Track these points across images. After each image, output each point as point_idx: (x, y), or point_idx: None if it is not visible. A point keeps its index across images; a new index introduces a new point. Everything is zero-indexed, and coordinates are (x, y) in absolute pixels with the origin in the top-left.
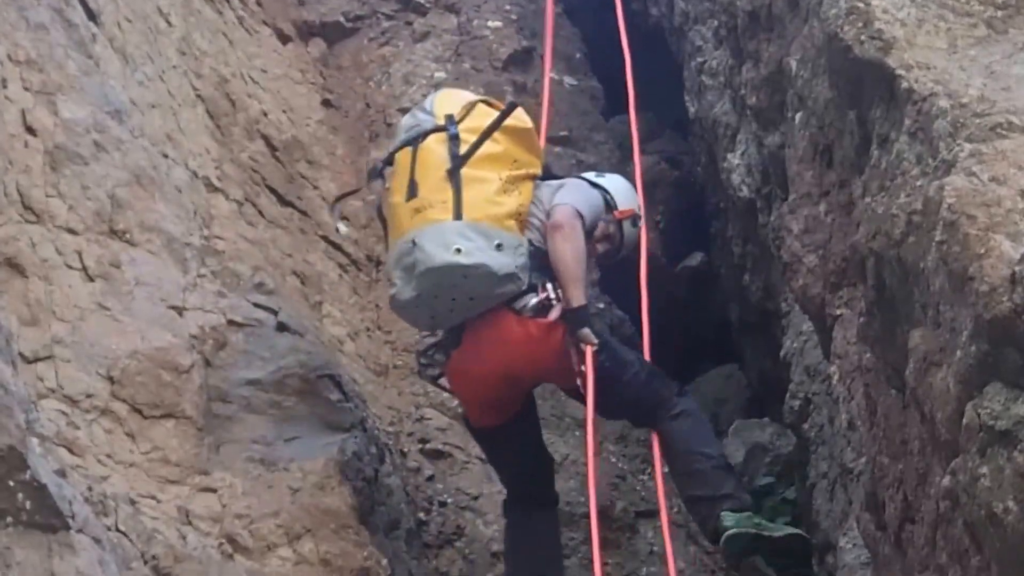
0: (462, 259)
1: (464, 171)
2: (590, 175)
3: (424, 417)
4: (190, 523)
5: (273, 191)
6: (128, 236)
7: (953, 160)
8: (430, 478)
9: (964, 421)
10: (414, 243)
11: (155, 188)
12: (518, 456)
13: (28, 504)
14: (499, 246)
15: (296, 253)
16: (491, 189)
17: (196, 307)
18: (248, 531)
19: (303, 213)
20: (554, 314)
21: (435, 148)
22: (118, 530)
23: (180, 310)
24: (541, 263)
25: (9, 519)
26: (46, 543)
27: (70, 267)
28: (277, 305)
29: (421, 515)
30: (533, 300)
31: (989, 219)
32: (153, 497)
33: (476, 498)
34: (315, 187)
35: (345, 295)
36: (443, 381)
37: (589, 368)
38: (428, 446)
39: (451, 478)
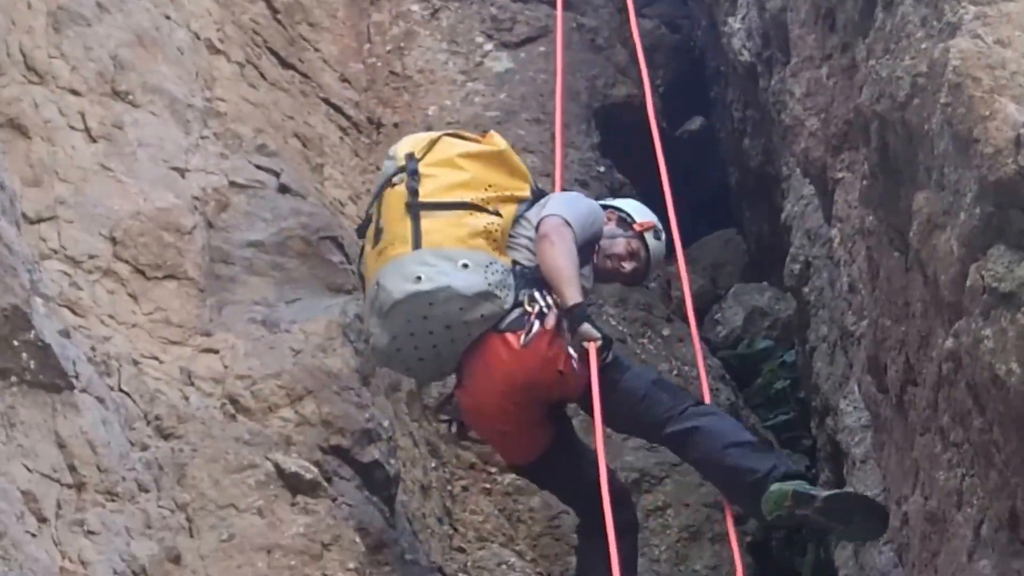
0: (423, 286)
1: (422, 202)
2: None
3: None
4: (192, 384)
5: (274, 53)
6: (131, 97)
7: (958, 22)
8: None
9: (967, 283)
10: (378, 284)
11: (157, 49)
12: (568, 487)
13: (32, 364)
14: (465, 266)
15: (297, 115)
16: (454, 213)
17: (198, 168)
18: (250, 392)
19: (304, 75)
20: (549, 321)
21: (397, 189)
22: (121, 390)
23: (182, 171)
24: (531, 280)
25: (13, 379)
26: (50, 403)
27: (73, 128)
28: (279, 167)
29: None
30: (516, 313)
31: (994, 81)
32: (156, 358)
33: None
34: (316, 49)
35: (346, 157)
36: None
37: (593, 365)
38: None
39: None
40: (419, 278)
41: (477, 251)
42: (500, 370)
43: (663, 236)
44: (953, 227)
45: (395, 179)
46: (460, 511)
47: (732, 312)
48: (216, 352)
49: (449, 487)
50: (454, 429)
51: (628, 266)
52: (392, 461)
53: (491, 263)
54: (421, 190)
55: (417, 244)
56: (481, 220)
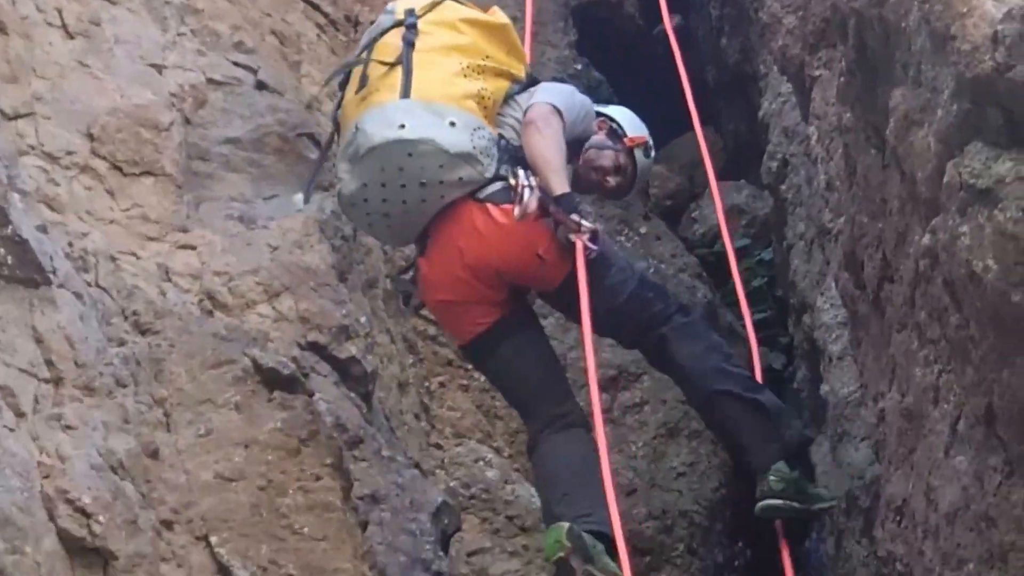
0: (405, 133)
1: (418, 56)
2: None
3: None
4: (170, 279)
5: None
6: None
7: None
8: None
9: (945, 180)
10: (357, 128)
11: None
12: (521, 363)
13: (9, 259)
14: (452, 124)
15: (275, 12)
16: (448, 71)
17: (176, 65)
18: (227, 288)
19: None
20: (533, 201)
21: (391, 41)
22: (98, 286)
23: (160, 68)
24: (514, 156)
25: None
26: (27, 298)
27: (50, 24)
28: (256, 64)
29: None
30: (498, 186)
31: None
32: (133, 254)
33: None
34: None
35: (323, 55)
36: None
37: (580, 257)
38: None
39: None
40: (403, 126)
41: (467, 112)
42: (473, 242)
43: (652, 153)
44: (930, 124)
45: (390, 32)
46: (437, 407)
47: (709, 210)
48: (193, 248)
49: (426, 383)
50: (411, 302)
51: (612, 181)
52: (369, 357)
53: (479, 127)
54: (417, 44)
55: (406, 94)
56: (475, 84)
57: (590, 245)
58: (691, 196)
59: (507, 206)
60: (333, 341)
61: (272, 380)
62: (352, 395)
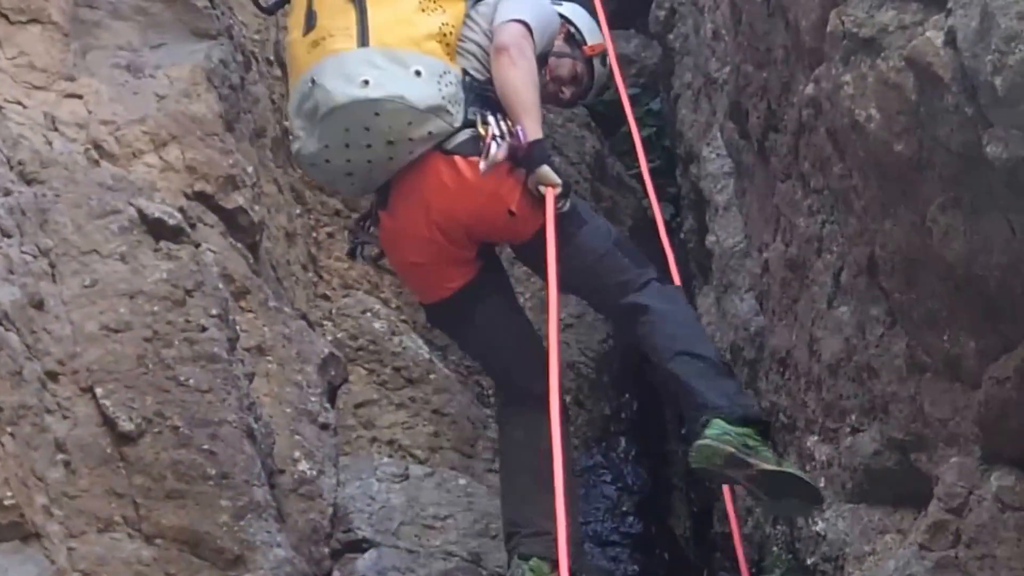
0: (371, 92)
1: None
2: None
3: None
4: (56, 129)
5: None
6: None
7: None
8: None
9: (828, 29)
10: (313, 82)
11: None
12: (494, 333)
13: None
14: (418, 73)
15: None
16: (404, 8)
17: None
18: (114, 137)
19: None
20: (502, 152)
21: None
22: None
23: None
24: (481, 96)
25: None
26: None
27: None
28: None
29: (287, 123)
30: (466, 134)
31: None
32: (19, 103)
33: None
34: None
35: None
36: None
37: (550, 212)
38: None
39: None
40: (366, 82)
41: (431, 57)
42: (440, 197)
43: (608, 61)
44: None
45: None
46: (325, 258)
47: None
48: (80, 97)
49: (314, 234)
50: (369, 252)
51: (568, 92)
52: (256, 207)
53: (445, 72)
54: None
55: (364, 41)
56: (435, 20)
57: (559, 200)
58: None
59: (475, 158)
60: (220, 191)
61: (158, 230)
62: (239, 246)
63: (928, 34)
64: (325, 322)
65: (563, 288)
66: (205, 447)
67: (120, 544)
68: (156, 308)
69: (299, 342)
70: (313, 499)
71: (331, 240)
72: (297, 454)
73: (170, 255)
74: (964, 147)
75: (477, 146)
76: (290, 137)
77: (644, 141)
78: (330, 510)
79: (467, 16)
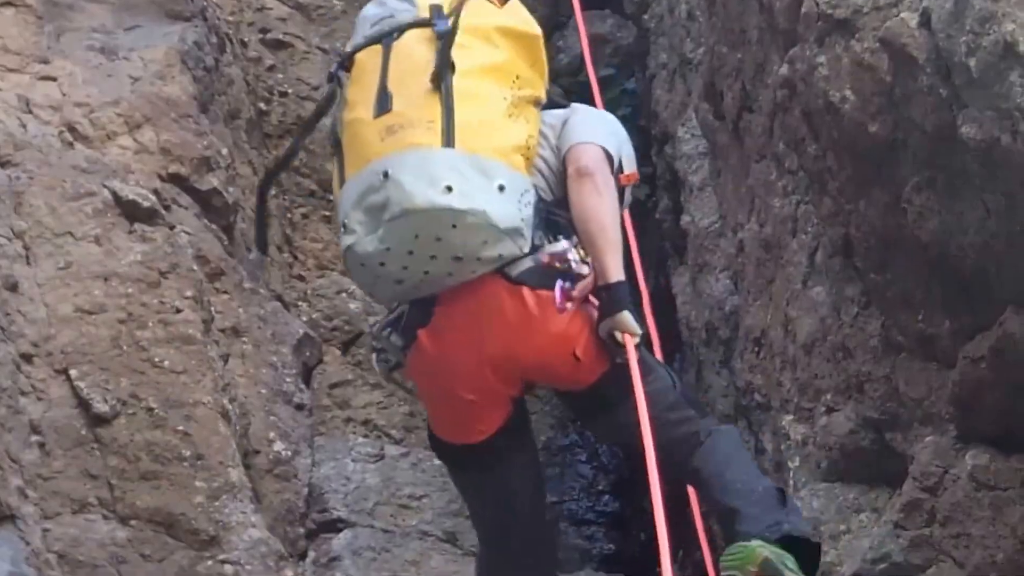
0: (454, 201)
1: (459, 82)
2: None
3: (265, 7)
4: (30, 111)
5: None
6: None
7: None
8: (270, 68)
9: (802, 10)
10: (386, 175)
11: None
12: (503, 492)
13: None
14: (501, 188)
15: None
16: (495, 110)
17: None
18: (88, 120)
19: None
20: (579, 288)
21: (417, 48)
22: None
23: None
24: (548, 219)
25: None
26: None
27: None
28: None
29: (262, 105)
30: (532, 262)
31: None
32: None
33: (316, 88)
34: None
35: None
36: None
37: (633, 364)
38: (268, 36)
39: (292, 68)
40: (450, 188)
41: (516, 172)
42: (500, 331)
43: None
44: None
45: (412, 32)
46: (300, 239)
47: (574, 39)
48: (54, 80)
49: (289, 215)
50: (387, 365)
51: None
52: (231, 189)
53: (526, 191)
54: (456, 64)
55: (449, 140)
56: (522, 129)
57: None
58: (556, 25)
59: (544, 292)
60: (194, 173)
61: (132, 212)
62: (213, 227)
63: (903, 15)
64: (300, 303)
65: (620, 440)
66: (180, 428)
67: (95, 525)
68: (130, 290)
69: (274, 323)
70: (288, 479)
71: (306, 221)
72: (272, 435)
73: (144, 237)
74: (938, 128)
75: (545, 277)
76: (342, 229)
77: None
78: (305, 490)
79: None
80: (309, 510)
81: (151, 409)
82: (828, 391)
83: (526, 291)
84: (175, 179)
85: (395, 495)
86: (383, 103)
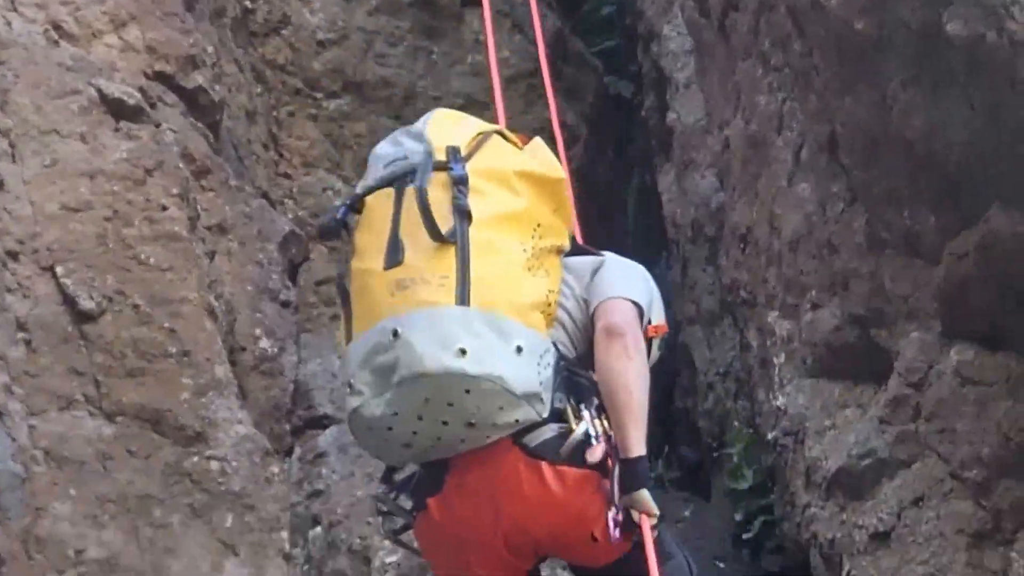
0: (467, 366)
1: (475, 232)
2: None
3: None
4: (15, 9)
5: None
6: None
7: None
8: None
9: None
10: (396, 334)
11: None
12: None
13: None
14: (519, 350)
15: None
16: (514, 263)
17: None
18: (73, 18)
19: None
20: (595, 455)
21: (432, 194)
22: None
23: None
24: (568, 379)
25: None
26: None
27: None
28: None
29: (247, 3)
30: (553, 431)
31: None
32: None
33: None
34: None
35: None
36: (410, 536)
37: (649, 546)
38: None
39: None
40: (463, 351)
41: (533, 331)
42: (516, 506)
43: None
44: None
45: (425, 175)
46: (286, 137)
47: None
48: None
49: (275, 113)
50: (390, 526)
51: None
52: (217, 87)
53: (546, 351)
54: (472, 212)
55: (464, 297)
56: (541, 285)
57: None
58: None
59: (563, 468)
60: (180, 71)
61: (118, 110)
62: (199, 125)
63: None
64: (286, 200)
65: None
66: (166, 325)
67: (81, 422)
68: (116, 187)
69: (260, 220)
70: (274, 376)
71: (292, 119)
72: (258, 331)
73: (130, 135)
74: (924, 25)
75: (561, 446)
76: (347, 389)
77: (605, 19)
78: (291, 387)
79: (561, 278)
80: (295, 407)
81: (137, 306)
82: (813, 287)
83: (545, 467)
84: (161, 77)
85: None
86: (394, 254)
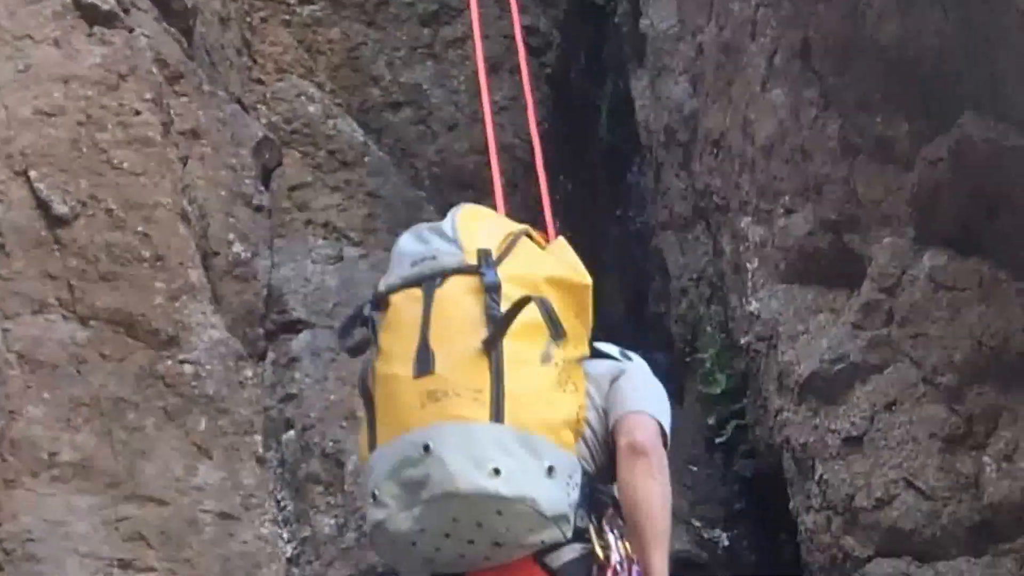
0: (501, 487)
1: (509, 346)
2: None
3: None
4: None
5: None
6: None
7: None
8: None
9: None
10: (427, 449)
11: None
12: None
13: None
14: (550, 470)
15: None
16: (543, 380)
17: None
18: None
19: None
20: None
21: (463, 301)
22: None
23: None
24: (589, 495)
25: None
26: None
27: None
28: None
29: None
30: (575, 551)
31: None
32: None
33: None
34: None
35: None
36: None
37: None
38: None
39: None
40: (497, 471)
41: (564, 451)
42: None
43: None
44: None
45: (456, 278)
46: (259, 42)
47: None
48: None
49: (248, 18)
50: None
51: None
52: None
53: (575, 472)
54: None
55: (498, 414)
56: (571, 402)
57: None
58: None
59: None
60: None
61: (92, 15)
62: (173, 30)
63: None
64: (259, 106)
65: None
66: (139, 229)
67: (55, 325)
68: (90, 92)
69: (233, 125)
70: (248, 281)
71: (265, 25)
72: (232, 236)
73: (104, 40)
74: None
75: (586, 570)
76: (371, 499)
77: None
78: (264, 291)
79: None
80: (268, 311)
81: (110, 210)
82: (786, 193)
83: None
84: None
85: (354, 296)
86: (424, 362)
